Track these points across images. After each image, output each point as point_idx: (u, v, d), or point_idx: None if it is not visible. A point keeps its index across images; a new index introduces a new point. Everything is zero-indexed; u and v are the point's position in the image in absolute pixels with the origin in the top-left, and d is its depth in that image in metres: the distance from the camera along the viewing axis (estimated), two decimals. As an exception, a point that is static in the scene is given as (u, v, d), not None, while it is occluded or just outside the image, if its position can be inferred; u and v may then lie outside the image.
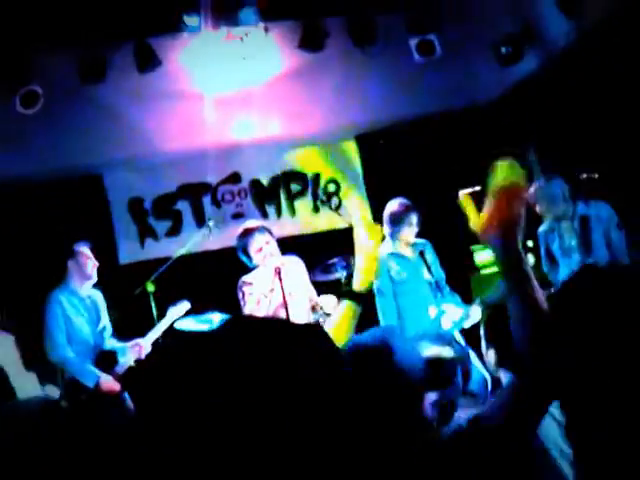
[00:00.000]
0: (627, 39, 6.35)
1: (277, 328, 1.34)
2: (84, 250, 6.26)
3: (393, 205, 6.43)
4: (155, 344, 6.29)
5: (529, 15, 7.25)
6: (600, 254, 6.22)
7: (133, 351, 6.19)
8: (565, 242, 6.43)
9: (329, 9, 7.78)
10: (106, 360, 6.16)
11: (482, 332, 2.74)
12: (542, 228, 6.60)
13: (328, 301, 5.80)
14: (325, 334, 1.38)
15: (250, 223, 5.96)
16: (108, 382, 5.99)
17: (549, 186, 6.37)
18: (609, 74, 6.78)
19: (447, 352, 2.74)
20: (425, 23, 7.92)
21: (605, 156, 6.97)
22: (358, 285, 2.60)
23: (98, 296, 6.40)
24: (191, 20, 7.38)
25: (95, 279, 6.30)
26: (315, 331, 1.39)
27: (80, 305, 6.21)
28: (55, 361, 6.01)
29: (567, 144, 7.54)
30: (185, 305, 6.36)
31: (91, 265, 6.26)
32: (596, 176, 6.71)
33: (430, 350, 2.66)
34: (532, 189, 6.49)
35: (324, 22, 7.81)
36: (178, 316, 6.30)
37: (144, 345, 6.21)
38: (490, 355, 2.70)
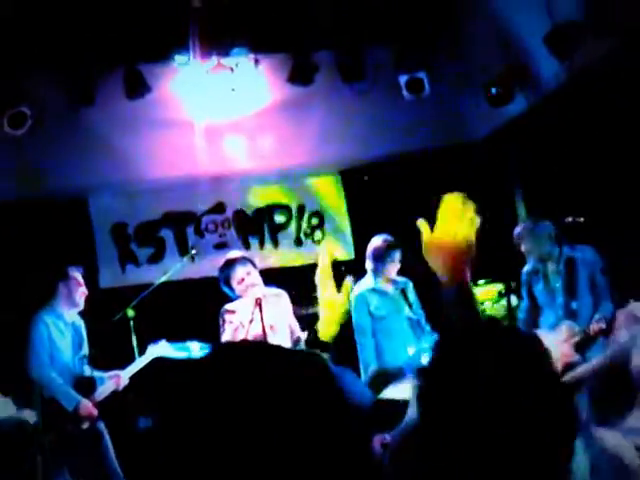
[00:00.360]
0: (618, 82, 6.38)
1: (271, 352, 1.32)
2: (77, 276, 6.32)
3: (377, 241, 6.44)
4: (133, 376, 6.31)
5: (520, 56, 7.29)
6: (584, 297, 6.22)
7: (111, 382, 6.22)
8: (550, 284, 6.41)
9: (320, 43, 7.82)
10: (83, 386, 6.15)
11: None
12: (526, 268, 6.58)
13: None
14: (320, 359, 1.36)
15: (231, 254, 5.95)
16: (87, 407, 6.03)
17: (536, 227, 6.38)
18: (599, 117, 6.81)
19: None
20: (415, 61, 7.96)
21: (592, 200, 6.98)
22: (324, 336, 2.59)
23: (82, 324, 6.43)
24: (182, 59, 7.42)
25: (81, 307, 6.34)
26: (310, 355, 1.37)
27: (65, 329, 6.25)
28: (38, 380, 6.00)
29: (554, 186, 7.55)
30: (164, 345, 6.36)
31: (80, 292, 6.30)
32: (582, 220, 6.70)
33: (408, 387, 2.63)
34: (518, 229, 6.51)
35: (314, 56, 7.84)
36: (158, 354, 6.32)
37: (122, 377, 6.23)
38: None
